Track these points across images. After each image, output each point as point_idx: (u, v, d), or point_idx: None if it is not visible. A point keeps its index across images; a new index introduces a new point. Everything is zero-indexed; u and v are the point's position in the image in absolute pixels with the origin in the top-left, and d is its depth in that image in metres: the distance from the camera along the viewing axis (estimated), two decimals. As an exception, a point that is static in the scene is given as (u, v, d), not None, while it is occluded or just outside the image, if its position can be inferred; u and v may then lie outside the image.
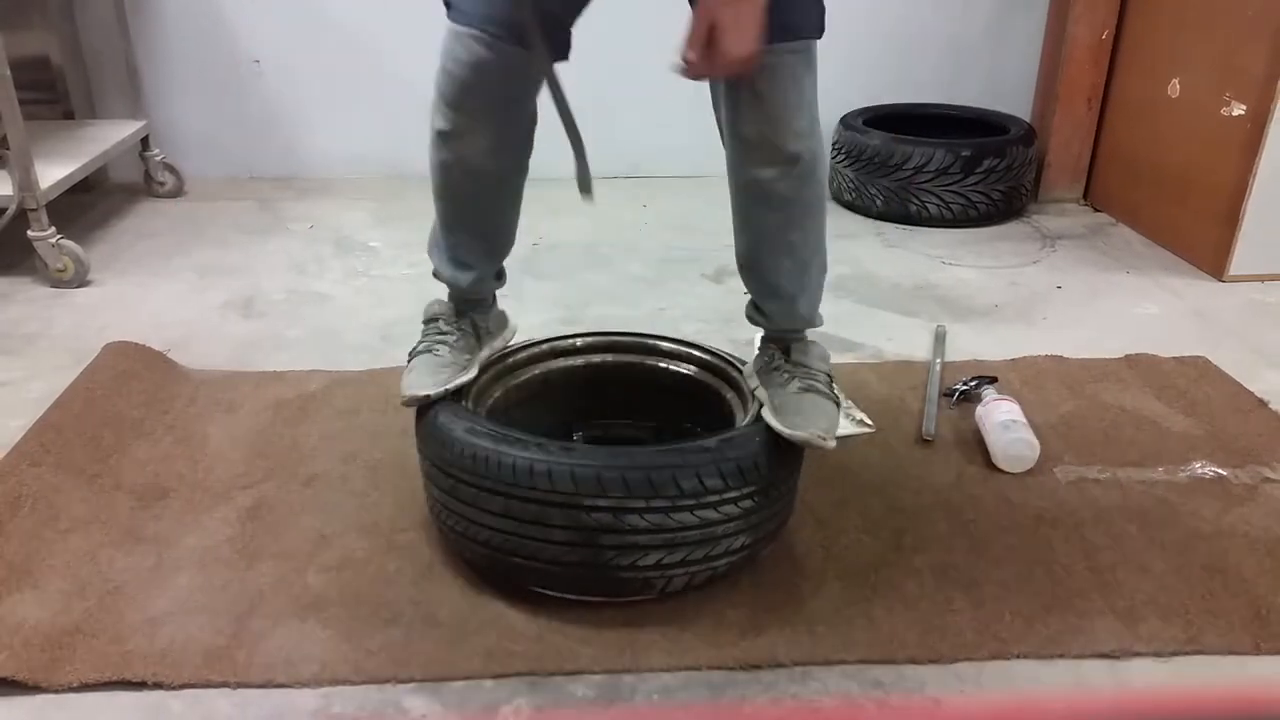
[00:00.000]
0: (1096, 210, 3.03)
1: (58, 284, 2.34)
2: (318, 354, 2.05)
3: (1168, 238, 2.71)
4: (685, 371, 1.57)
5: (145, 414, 1.78)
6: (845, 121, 3.00)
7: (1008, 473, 1.66)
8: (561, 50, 1.28)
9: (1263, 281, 2.47)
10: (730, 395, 1.51)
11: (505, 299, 1.58)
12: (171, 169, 2.98)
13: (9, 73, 2.16)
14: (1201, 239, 2.55)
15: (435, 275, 1.49)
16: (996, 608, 1.36)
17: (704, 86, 1.31)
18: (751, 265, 1.42)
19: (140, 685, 1.21)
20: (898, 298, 2.39)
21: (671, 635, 1.30)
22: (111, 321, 2.17)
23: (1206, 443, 1.76)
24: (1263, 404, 1.88)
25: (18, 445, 1.62)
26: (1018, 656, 1.28)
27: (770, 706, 1.20)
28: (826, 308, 1.45)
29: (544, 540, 1.26)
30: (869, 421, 1.81)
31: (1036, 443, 1.67)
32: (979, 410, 1.77)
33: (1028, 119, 3.14)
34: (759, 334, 1.49)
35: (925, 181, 2.80)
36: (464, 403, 1.40)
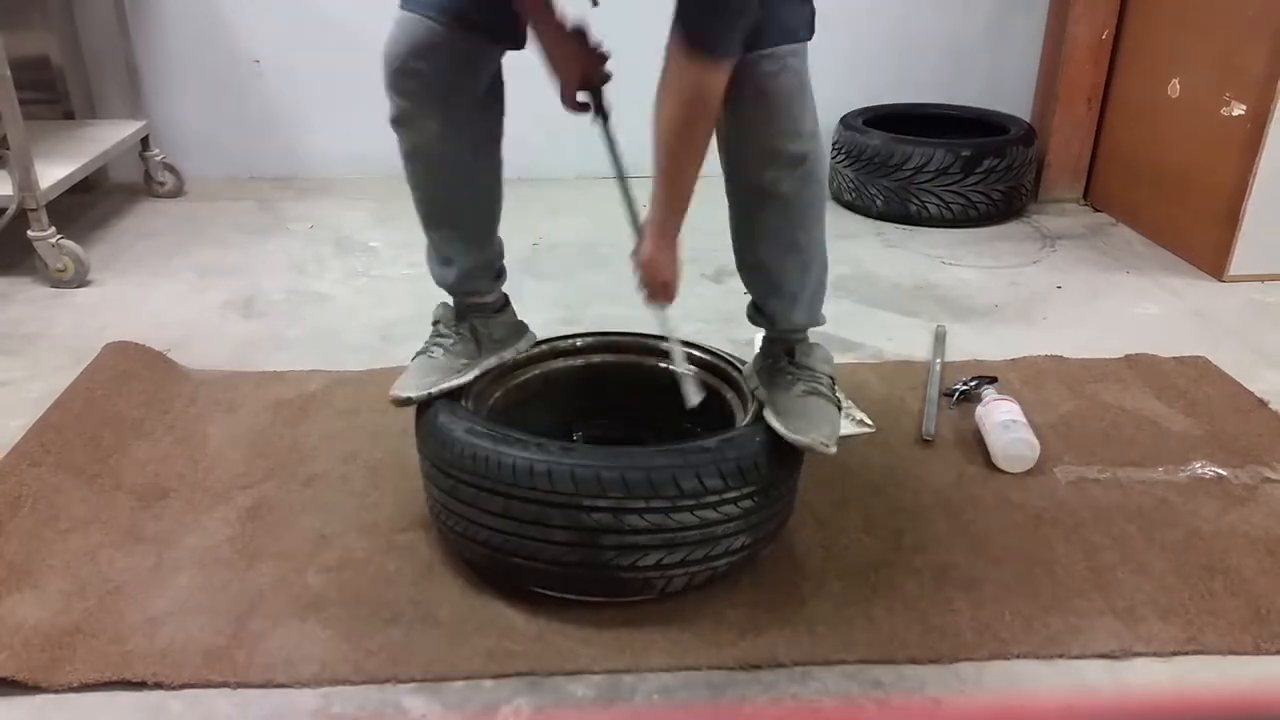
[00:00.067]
0: (1096, 210, 3.03)
1: (58, 284, 2.34)
2: (318, 354, 2.05)
3: (1168, 238, 2.71)
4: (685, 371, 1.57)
5: (145, 414, 1.78)
6: (845, 121, 3.00)
7: (1008, 473, 1.66)
8: (509, 38, 1.30)
9: (1263, 281, 2.47)
10: (730, 395, 1.51)
11: (510, 300, 1.56)
12: (171, 169, 2.98)
13: (9, 73, 2.16)
14: (1201, 239, 2.55)
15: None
16: (996, 608, 1.36)
17: None
18: (755, 266, 1.42)
19: (140, 685, 1.21)
20: (898, 298, 2.39)
21: (671, 635, 1.30)
22: (111, 321, 2.17)
23: (1206, 443, 1.75)
24: (1263, 404, 1.88)
25: (18, 445, 1.62)
26: (1018, 656, 1.28)
27: (770, 706, 1.20)
28: (826, 307, 1.45)
29: (544, 540, 1.26)
30: (869, 421, 1.81)
31: (1036, 443, 1.67)
32: (979, 410, 1.77)
33: (1028, 119, 3.14)
34: (760, 334, 1.48)
35: (925, 181, 2.80)
36: (464, 403, 1.40)
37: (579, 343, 1.61)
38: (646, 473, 1.22)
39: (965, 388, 1.88)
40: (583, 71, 1.34)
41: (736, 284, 1.45)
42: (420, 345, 1.48)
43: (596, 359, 1.60)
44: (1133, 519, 1.55)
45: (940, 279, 2.50)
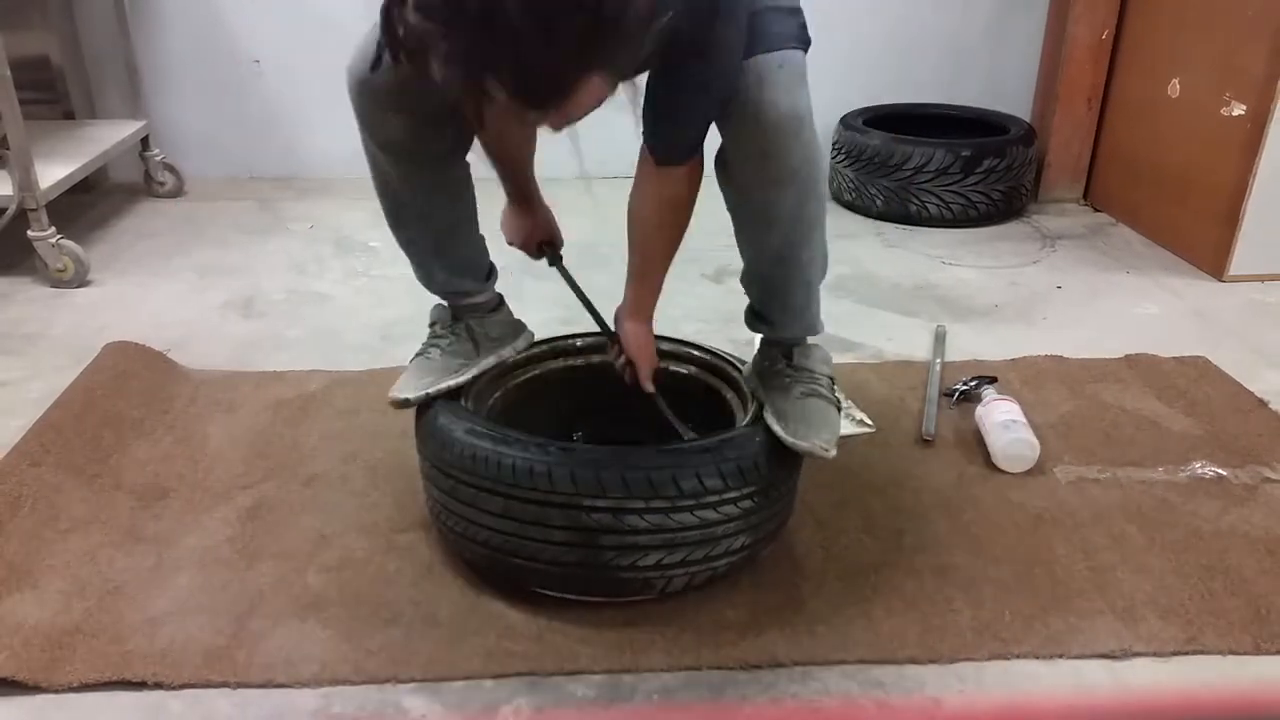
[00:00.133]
0: (1096, 210, 3.03)
1: (58, 284, 2.34)
2: (318, 354, 2.05)
3: (1168, 238, 2.71)
4: (685, 371, 1.57)
5: (145, 414, 1.78)
6: (845, 121, 3.00)
7: (1008, 473, 1.66)
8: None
9: (1263, 281, 2.47)
10: (730, 395, 1.51)
11: (505, 299, 1.57)
12: (171, 169, 2.98)
13: (9, 73, 2.15)
14: (1201, 239, 2.55)
15: None
16: (996, 608, 1.36)
17: None
18: (758, 281, 1.40)
19: (140, 685, 1.21)
20: (898, 298, 2.39)
21: (671, 635, 1.30)
22: (111, 321, 2.16)
23: (1206, 443, 1.75)
24: (1263, 404, 1.88)
25: (18, 445, 1.62)
26: (1018, 656, 1.28)
27: (770, 707, 1.20)
28: (826, 307, 1.45)
29: (544, 541, 1.26)
30: (869, 421, 1.81)
31: (1036, 443, 1.67)
32: (979, 410, 1.77)
33: (1028, 119, 3.14)
34: (759, 334, 1.49)
35: (925, 181, 2.80)
36: (464, 403, 1.40)
37: (579, 343, 1.61)
38: (646, 473, 1.22)
39: (965, 388, 1.88)
40: (542, 239, 1.55)
41: (736, 284, 1.45)
42: (419, 346, 1.48)
43: (596, 359, 1.60)
44: (1133, 519, 1.55)
45: (940, 279, 2.50)
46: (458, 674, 1.23)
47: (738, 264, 1.40)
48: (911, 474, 1.66)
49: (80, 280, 2.35)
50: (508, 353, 1.50)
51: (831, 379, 1.44)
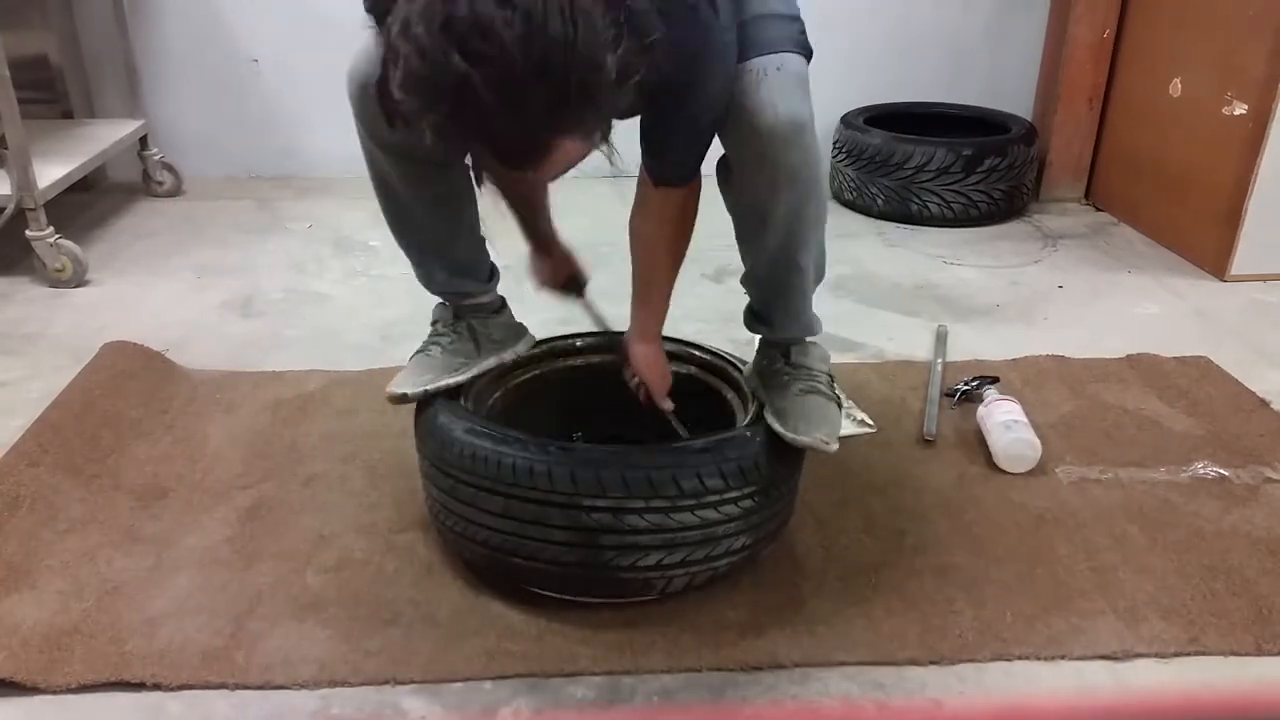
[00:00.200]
0: (1098, 210, 3.03)
1: (56, 284, 2.33)
2: (317, 354, 2.05)
3: (1169, 237, 2.70)
4: (685, 371, 1.57)
5: (144, 414, 1.78)
6: (846, 120, 3.00)
7: (1009, 473, 1.66)
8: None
9: (1264, 281, 2.47)
10: (730, 395, 1.51)
11: (508, 301, 1.56)
12: (170, 168, 2.97)
13: (8, 72, 2.15)
14: (1203, 238, 2.55)
15: None
16: (997, 608, 1.35)
17: None
18: (758, 283, 1.40)
19: (139, 686, 1.21)
20: (899, 297, 2.38)
21: (671, 636, 1.29)
22: (110, 321, 2.16)
23: (1208, 443, 1.75)
24: (1264, 404, 1.88)
25: (16, 445, 1.61)
26: (1019, 657, 1.27)
27: (770, 708, 1.20)
28: (827, 307, 1.44)
29: (544, 540, 1.26)
30: (870, 422, 1.80)
31: (1038, 443, 1.67)
32: (980, 410, 1.77)
33: (1029, 118, 3.13)
34: (758, 335, 1.48)
35: (926, 181, 2.80)
36: (463, 403, 1.39)
37: (579, 343, 1.60)
38: (646, 472, 1.22)
39: (966, 388, 1.88)
40: (566, 275, 1.56)
41: (736, 284, 1.45)
42: (420, 343, 1.47)
43: (596, 359, 1.60)
44: (1134, 519, 1.54)
45: (941, 278, 2.50)
46: (457, 675, 1.23)
47: (738, 264, 1.40)
48: (912, 474, 1.66)
49: (78, 280, 2.35)
50: (508, 355, 1.50)
51: (830, 376, 1.44)
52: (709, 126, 1.18)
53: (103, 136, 2.70)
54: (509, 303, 1.53)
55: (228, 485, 1.60)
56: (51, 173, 2.37)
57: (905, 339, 2.16)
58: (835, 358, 1.50)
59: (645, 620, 1.31)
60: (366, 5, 1.08)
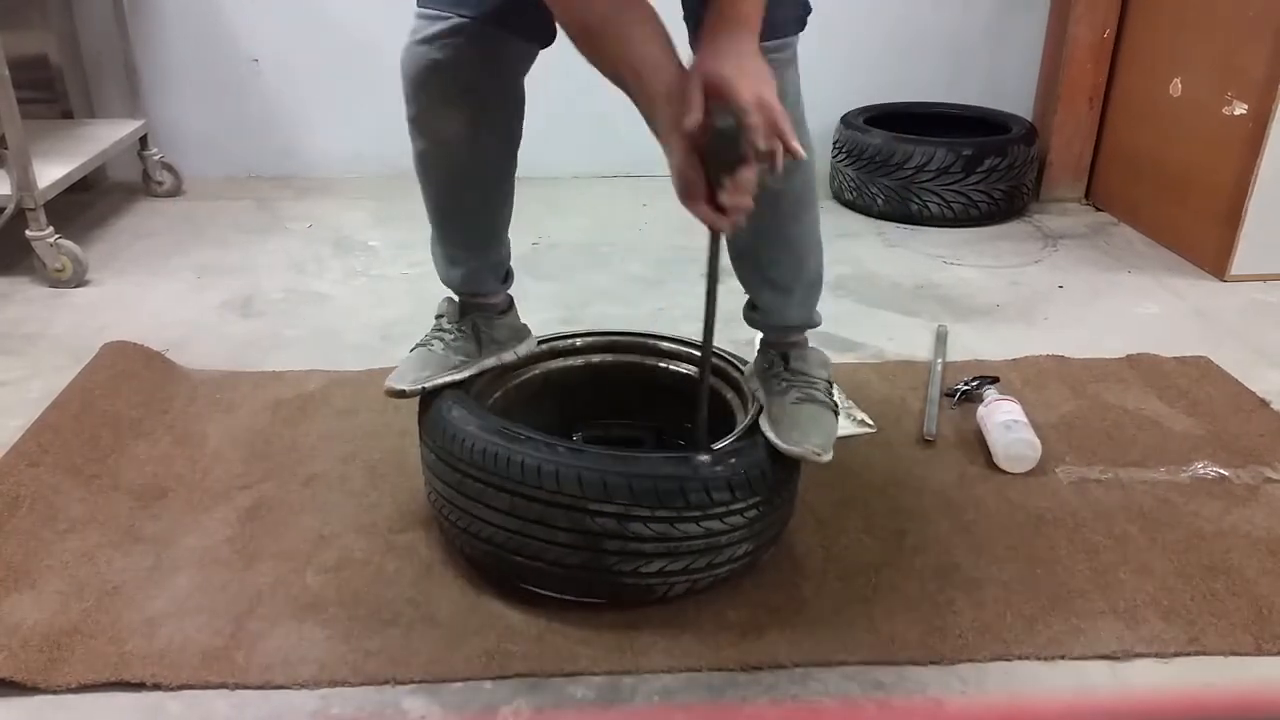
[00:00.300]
0: (1098, 210, 3.03)
1: (56, 284, 2.33)
2: (317, 354, 2.05)
3: (1169, 237, 2.70)
4: (685, 371, 1.57)
5: (144, 414, 1.78)
6: (846, 120, 3.00)
7: (1009, 473, 1.66)
8: (541, 34, 1.25)
9: (1264, 281, 2.46)
10: (730, 395, 1.51)
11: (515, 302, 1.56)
12: (170, 168, 2.97)
13: (7, 72, 2.15)
14: (1203, 239, 2.55)
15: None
16: (998, 608, 1.35)
17: None
18: (746, 258, 1.41)
19: (138, 686, 1.21)
20: (899, 297, 2.38)
21: (671, 636, 1.29)
22: (110, 321, 2.16)
23: (1208, 443, 1.75)
24: (1264, 404, 1.88)
25: (16, 445, 1.61)
26: (1019, 658, 1.27)
27: (771, 708, 1.20)
28: (827, 308, 1.44)
29: (547, 541, 1.26)
30: (870, 422, 1.80)
31: (1038, 443, 1.66)
32: (980, 410, 1.77)
33: (1029, 118, 3.13)
34: (759, 334, 1.48)
35: (926, 180, 2.79)
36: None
37: (579, 343, 1.60)
38: (654, 482, 1.21)
39: (967, 388, 1.88)
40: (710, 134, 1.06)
41: (736, 284, 1.45)
42: (421, 336, 1.47)
43: (596, 359, 1.60)
44: (1134, 519, 1.54)
45: (941, 278, 2.50)
46: (457, 675, 1.23)
47: (738, 264, 1.40)
48: (913, 474, 1.66)
49: (78, 280, 2.35)
50: (509, 356, 1.50)
51: (829, 382, 1.44)
52: None
53: (103, 136, 2.70)
54: (515, 304, 1.53)
55: (228, 485, 1.60)
56: (51, 173, 2.37)
57: (905, 339, 2.16)
58: (835, 358, 1.50)
59: (645, 621, 1.31)
60: None
